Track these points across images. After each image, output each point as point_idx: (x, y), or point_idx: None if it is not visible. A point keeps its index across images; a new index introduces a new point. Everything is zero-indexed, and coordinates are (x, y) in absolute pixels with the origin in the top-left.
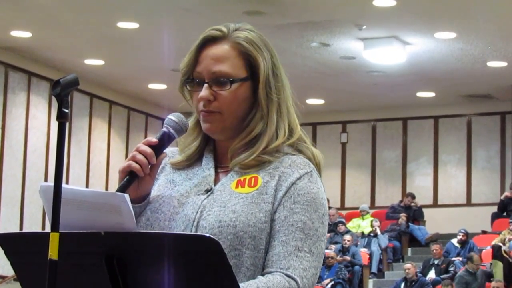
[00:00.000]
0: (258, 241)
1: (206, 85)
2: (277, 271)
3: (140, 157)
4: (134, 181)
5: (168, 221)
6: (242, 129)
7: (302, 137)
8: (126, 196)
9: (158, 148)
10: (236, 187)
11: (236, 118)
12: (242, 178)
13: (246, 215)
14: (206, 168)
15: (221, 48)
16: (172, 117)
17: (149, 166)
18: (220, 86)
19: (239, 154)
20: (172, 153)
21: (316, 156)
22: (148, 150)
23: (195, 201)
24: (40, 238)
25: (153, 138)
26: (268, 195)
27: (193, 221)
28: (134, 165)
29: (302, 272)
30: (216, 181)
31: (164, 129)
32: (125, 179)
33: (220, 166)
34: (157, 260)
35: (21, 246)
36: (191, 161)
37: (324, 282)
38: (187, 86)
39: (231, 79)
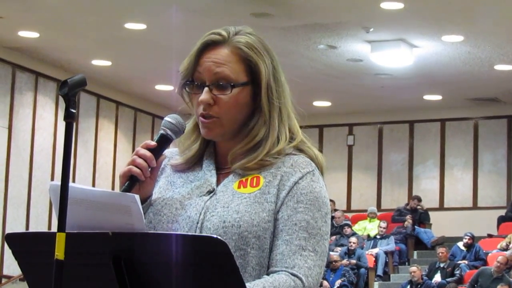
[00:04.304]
0: (263, 241)
1: (206, 88)
2: (282, 270)
3: (140, 161)
4: (135, 185)
5: (171, 223)
6: (245, 134)
7: (304, 140)
8: (136, 196)
9: (157, 151)
10: (239, 187)
11: (235, 123)
12: (244, 179)
13: (249, 215)
14: (207, 170)
15: (222, 53)
16: (169, 119)
17: (149, 169)
18: (221, 90)
19: (240, 159)
20: (172, 153)
21: (318, 156)
22: (148, 153)
23: (197, 202)
24: (48, 238)
25: (151, 142)
26: (270, 194)
27: (197, 223)
28: (135, 169)
29: (307, 271)
30: (218, 182)
31: (162, 131)
32: (126, 184)
33: (221, 168)
34: (165, 261)
35: (29, 246)
36: (190, 164)
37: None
38: (187, 89)
39: (232, 84)
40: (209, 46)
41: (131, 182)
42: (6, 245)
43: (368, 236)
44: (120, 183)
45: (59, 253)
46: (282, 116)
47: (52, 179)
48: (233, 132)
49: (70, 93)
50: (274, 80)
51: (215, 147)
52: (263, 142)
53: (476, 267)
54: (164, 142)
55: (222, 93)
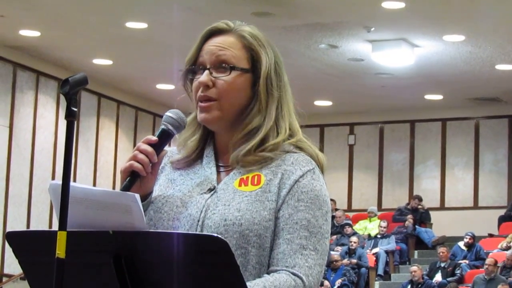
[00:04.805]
0: (264, 239)
1: (206, 71)
2: (282, 270)
3: (141, 156)
4: (136, 180)
5: (171, 220)
6: (241, 123)
7: (303, 139)
8: (137, 195)
9: (158, 146)
10: (239, 185)
11: (232, 108)
12: (245, 177)
13: (251, 213)
14: (207, 167)
15: (226, 39)
16: (169, 114)
17: (150, 164)
18: (220, 72)
19: (237, 147)
20: (172, 152)
21: (318, 154)
22: (149, 149)
23: (198, 200)
24: (49, 237)
25: (153, 137)
26: (271, 193)
27: (198, 221)
28: (136, 165)
29: (307, 270)
30: (218, 180)
31: (163, 127)
32: (127, 180)
33: (222, 165)
34: (165, 260)
35: (30, 245)
36: (191, 158)
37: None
38: (189, 75)
39: (232, 66)
40: (214, 34)
41: (132, 177)
42: (7, 244)
43: (369, 235)
44: (121, 179)
45: (60, 251)
46: (282, 110)
47: (53, 177)
48: (230, 119)
49: (71, 92)
50: (275, 73)
51: (215, 144)
52: (259, 129)
53: (477, 267)
54: (165, 137)
55: (221, 74)
